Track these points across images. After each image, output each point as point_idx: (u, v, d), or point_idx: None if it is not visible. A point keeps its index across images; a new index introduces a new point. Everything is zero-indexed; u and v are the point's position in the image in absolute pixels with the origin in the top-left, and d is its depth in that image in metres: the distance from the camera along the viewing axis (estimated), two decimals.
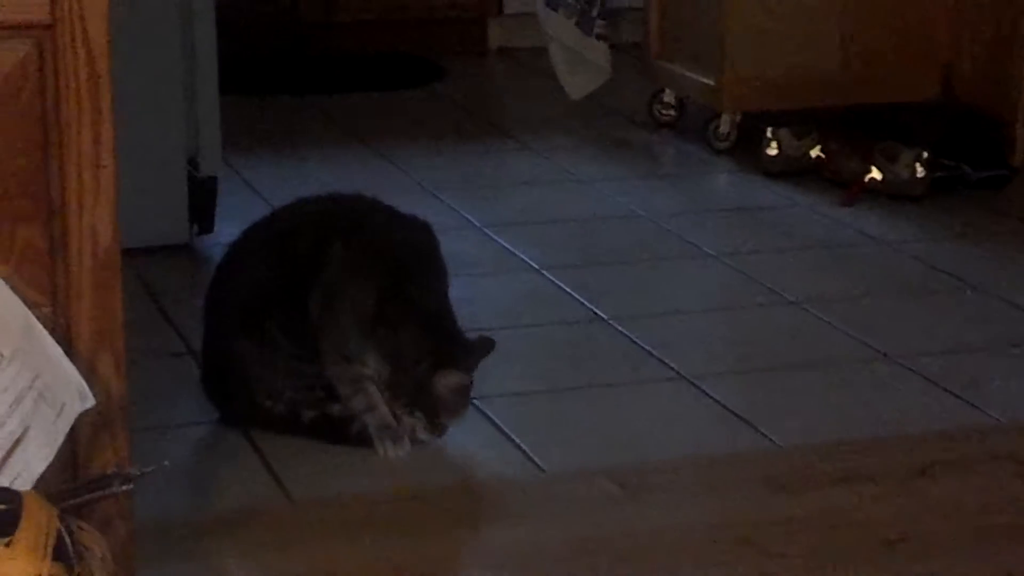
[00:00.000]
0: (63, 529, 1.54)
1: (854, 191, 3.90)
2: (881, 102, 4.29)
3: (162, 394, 2.76)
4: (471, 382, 2.58)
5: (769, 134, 4.06)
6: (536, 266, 3.44)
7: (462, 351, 2.58)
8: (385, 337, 2.55)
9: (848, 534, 2.35)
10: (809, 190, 3.97)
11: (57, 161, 1.82)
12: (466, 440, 2.62)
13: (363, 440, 2.59)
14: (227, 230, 3.15)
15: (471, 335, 2.62)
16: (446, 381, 2.53)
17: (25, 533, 1.52)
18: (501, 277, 3.40)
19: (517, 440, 2.65)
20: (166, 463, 2.29)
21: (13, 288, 1.77)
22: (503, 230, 3.65)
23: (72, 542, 1.54)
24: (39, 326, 1.75)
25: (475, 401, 2.63)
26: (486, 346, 2.62)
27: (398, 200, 2.78)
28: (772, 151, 4.06)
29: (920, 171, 3.89)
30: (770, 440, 2.66)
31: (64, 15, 1.79)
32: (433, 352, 2.54)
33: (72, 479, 1.78)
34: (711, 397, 2.82)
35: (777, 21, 4.14)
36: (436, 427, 2.56)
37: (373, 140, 4.34)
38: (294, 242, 2.64)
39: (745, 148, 4.18)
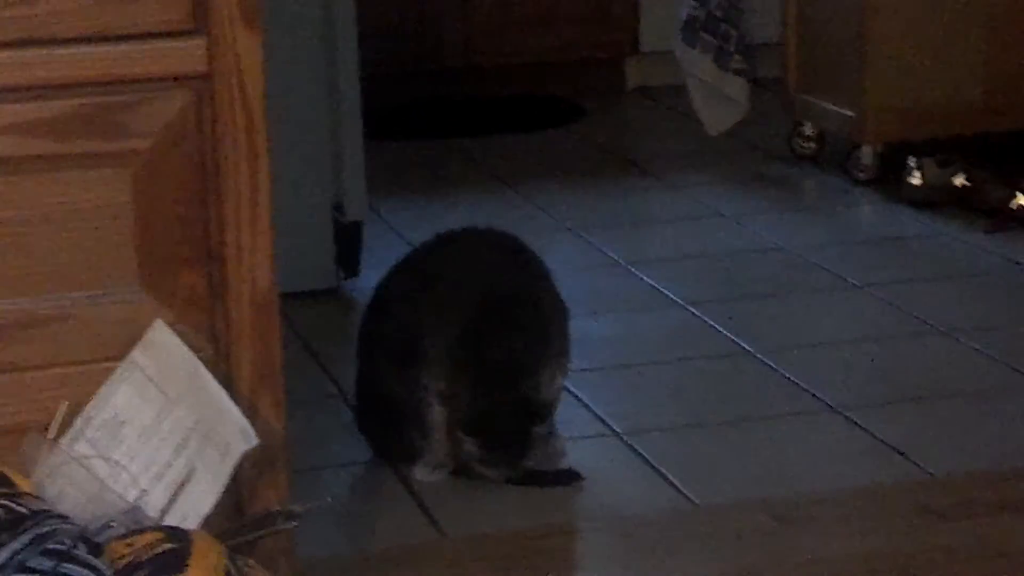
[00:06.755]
0: (232, 566, 1.57)
1: (1001, 219, 3.85)
2: None
3: (314, 435, 2.80)
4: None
5: (912, 164, 4.02)
6: (682, 301, 3.44)
7: None
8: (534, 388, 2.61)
9: (1008, 564, 2.32)
10: (954, 219, 3.92)
11: (216, 207, 1.86)
12: (616, 475, 2.63)
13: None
14: (373, 274, 3.18)
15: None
16: None
17: (195, 571, 1.55)
18: (648, 313, 3.40)
19: (668, 474, 2.65)
20: (329, 499, 2.33)
21: (177, 332, 1.81)
22: (648, 266, 3.66)
23: None
24: (203, 369, 1.79)
25: (625, 436, 2.63)
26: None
27: (543, 240, 2.79)
28: (915, 180, 4.02)
29: None
30: (924, 470, 2.63)
31: (221, 66, 1.84)
32: None
33: (237, 517, 1.81)
34: (863, 428, 2.80)
35: (917, 50, 4.10)
36: None
37: (516, 181, 4.36)
38: (437, 285, 2.68)
39: (887, 178, 4.14)
